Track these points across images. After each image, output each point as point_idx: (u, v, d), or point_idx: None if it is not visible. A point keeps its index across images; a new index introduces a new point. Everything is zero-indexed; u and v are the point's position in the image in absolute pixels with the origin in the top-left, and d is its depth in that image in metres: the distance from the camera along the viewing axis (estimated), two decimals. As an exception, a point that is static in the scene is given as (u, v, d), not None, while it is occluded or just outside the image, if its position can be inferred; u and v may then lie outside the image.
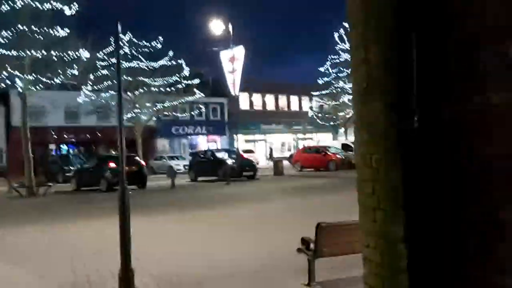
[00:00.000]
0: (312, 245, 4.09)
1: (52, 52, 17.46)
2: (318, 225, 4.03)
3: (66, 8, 17.75)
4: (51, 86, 20.29)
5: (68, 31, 17.89)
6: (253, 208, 12.47)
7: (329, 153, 28.24)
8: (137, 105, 33.67)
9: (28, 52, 17.41)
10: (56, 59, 18.54)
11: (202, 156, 25.51)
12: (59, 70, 18.88)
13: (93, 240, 8.48)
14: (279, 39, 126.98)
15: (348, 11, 2.39)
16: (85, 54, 18.68)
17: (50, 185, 19.24)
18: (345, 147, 30.51)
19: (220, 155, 24.32)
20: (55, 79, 18.80)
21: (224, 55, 26.67)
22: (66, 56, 17.86)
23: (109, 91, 31.52)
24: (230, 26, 25.50)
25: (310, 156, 29.06)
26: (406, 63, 1.88)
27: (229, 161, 22.31)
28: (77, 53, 17.81)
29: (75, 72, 18.69)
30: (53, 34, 17.69)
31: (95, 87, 30.83)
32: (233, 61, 26.04)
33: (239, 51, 25.93)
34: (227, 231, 8.98)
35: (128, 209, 6.48)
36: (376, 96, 2.12)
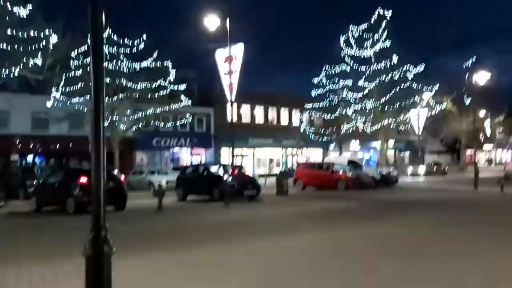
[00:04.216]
0: None
1: (9, 32, 13.44)
2: None
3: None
4: (9, 81, 16.26)
5: (31, 7, 13.92)
6: (280, 243, 8.76)
7: (337, 170, 24.71)
8: (115, 112, 29.71)
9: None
10: (16, 46, 14.61)
11: (193, 171, 21.58)
12: (24, 59, 14.87)
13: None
14: (271, 49, 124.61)
15: None
16: (53, 39, 14.72)
17: (1, 204, 15.07)
18: (351, 164, 27.07)
19: (215, 170, 20.46)
20: (14, 70, 14.72)
21: (220, 54, 22.93)
22: (29, 39, 13.84)
23: (83, 96, 27.59)
24: (227, 22, 21.83)
25: (315, 174, 25.46)
26: None
27: (227, 178, 18.48)
28: (41, 35, 13.81)
29: (39, 62, 14.67)
30: (12, 12, 13.73)
31: (66, 89, 26.78)
32: (230, 61, 22.32)
33: (238, 50, 22.21)
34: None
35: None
36: None
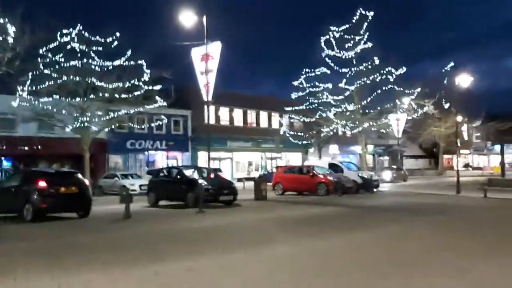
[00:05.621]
0: None
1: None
2: None
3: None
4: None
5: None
6: (259, 256, 7.73)
7: (317, 174, 23.80)
8: (86, 113, 28.19)
9: None
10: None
11: (165, 174, 20.36)
12: None
13: None
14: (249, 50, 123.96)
15: None
16: (10, 30, 13.43)
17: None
18: (332, 167, 26.25)
19: (189, 173, 19.29)
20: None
21: (196, 53, 21.86)
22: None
23: (52, 95, 26.09)
24: (204, 19, 20.85)
25: (294, 177, 24.53)
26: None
27: (202, 182, 17.35)
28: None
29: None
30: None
31: (32, 87, 25.19)
32: (207, 60, 21.28)
33: (215, 48, 21.21)
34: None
35: None
36: None
